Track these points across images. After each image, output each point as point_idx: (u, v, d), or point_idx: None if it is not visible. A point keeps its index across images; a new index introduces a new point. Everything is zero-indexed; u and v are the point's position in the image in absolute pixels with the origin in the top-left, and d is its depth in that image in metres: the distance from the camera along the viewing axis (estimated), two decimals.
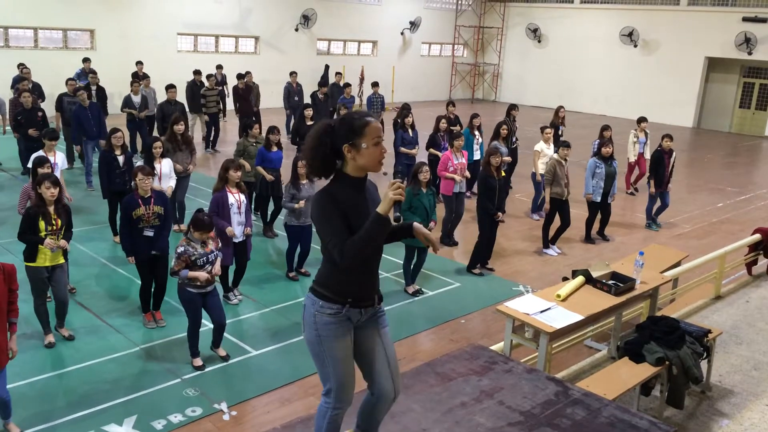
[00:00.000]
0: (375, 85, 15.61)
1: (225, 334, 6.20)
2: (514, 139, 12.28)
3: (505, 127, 11.18)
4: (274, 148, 9.24)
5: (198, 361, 5.94)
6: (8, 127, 11.89)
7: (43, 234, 5.90)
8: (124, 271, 7.94)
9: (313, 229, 7.94)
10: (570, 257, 9.51)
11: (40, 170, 6.79)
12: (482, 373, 4.55)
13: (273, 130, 9.33)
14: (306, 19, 23.01)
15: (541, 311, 5.33)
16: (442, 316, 7.37)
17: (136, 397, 5.44)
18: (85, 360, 5.99)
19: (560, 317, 5.27)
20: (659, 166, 10.75)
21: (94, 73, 14.38)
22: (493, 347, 5.27)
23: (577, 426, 3.98)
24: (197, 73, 15.22)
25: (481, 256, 8.73)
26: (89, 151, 11.41)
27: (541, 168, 10.54)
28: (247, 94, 15.59)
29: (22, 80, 12.66)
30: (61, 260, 6.16)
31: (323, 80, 21.27)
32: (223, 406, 5.39)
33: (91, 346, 6.24)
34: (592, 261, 8.48)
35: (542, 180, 10.08)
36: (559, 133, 12.63)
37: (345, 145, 3.02)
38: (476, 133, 11.62)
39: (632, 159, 13.09)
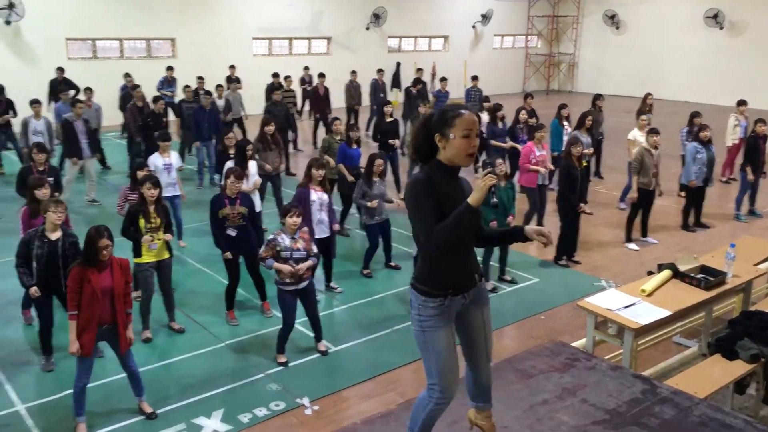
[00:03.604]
0: (474, 78, 16.08)
1: (305, 330, 6.36)
2: (600, 130, 12.04)
3: (590, 117, 10.95)
4: (354, 146, 9.40)
5: (282, 358, 6.10)
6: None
7: (143, 231, 6.27)
8: (209, 271, 8.21)
9: (393, 228, 8.10)
10: (655, 250, 9.17)
11: (140, 173, 7.23)
12: (564, 370, 4.45)
13: (352, 127, 9.56)
14: (377, 18, 23.15)
15: (626, 307, 5.17)
16: (522, 312, 7.27)
17: (223, 392, 5.63)
18: (174, 355, 6.26)
19: (646, 313, 5.11)
20: (755, 152, 10.26)
21: (201, 79, 15.01)
22: (574, 344, 5.16)
23: (666, 425, 3.83)
24: (275, 75, 15.67)
25: (566, 247, 8.57)
26: (202, 151, 12.01)
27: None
28: (325, 94, 15.87)
29: (135, 88, 13.34)
30: (166, 255, 6.51)
31: (395, 78, 21.44)
32: (305, 401, 5.50)
33: (180, 342, 6.51)
34: (679, 254, 8.16)
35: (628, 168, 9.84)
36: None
37: (437, 135, 3.11)
38: (565, 123, 11.42)
39: (730, 143, 12.54)
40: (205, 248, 8.95)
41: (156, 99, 12.21)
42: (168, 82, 16.15)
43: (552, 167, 9.81)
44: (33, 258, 5.66)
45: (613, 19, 26.98)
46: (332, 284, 7.71)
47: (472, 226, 3.11)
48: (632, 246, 9.30)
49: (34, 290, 5.68)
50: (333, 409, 5.45)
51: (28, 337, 6.52)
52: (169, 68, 16.52)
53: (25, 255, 5.67)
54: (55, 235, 5.71)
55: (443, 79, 16.26)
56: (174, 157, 8.74)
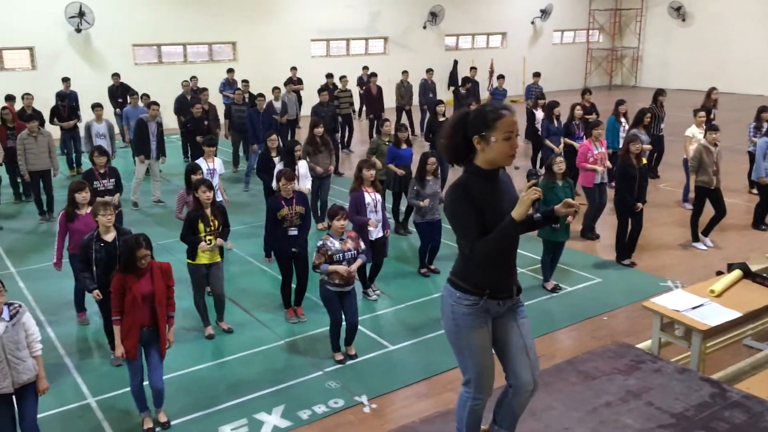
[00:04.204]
0: (536, 75, 16.12)
1: (363, 329, 6.38)
2: (661, 127, 11.68)
3: (649, 114, 10.61)
4: (404, 146, 9.36)
5: (339, 356, 6.14)
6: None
7: (202, 234, 6.39)
8: (268, 269, 8.35)
9: (444, 225, 8.04)
10: (724, 250, 8.81)
11: (194, 177, 7.33)
12: (628, 373, 4.33)
13: (401, 128, 9.52)
14: (434, 16, 23.08)
15: (693, 308, 5.00)
16: (583, 312, 7.11)
17: (283, 388, 5.71)
18: (236, 352, 6.38)
19: (715, 314, 4.92)
20: None
21: (246, 82, 15.29)
22: (639, 345, 5.01)
23: (737, 430, 3.68)
24: (329, 76, 15.79)
25: (625, 247, 8.34)
26: (255, 153, 12.28)
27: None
28: (378, 94, 15.90)
29: (202, 91, 13.70)
30: (218, 259, 6.63)
31: (452, 76, 21.30)
32: (364, 399, 5.53)
33: (241, 339, 6.64)
34: (749, 254, 7.84)
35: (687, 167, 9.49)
36: (711, 116, 11.79)
37: (475, 137, 3.03)
38: (622, 119, 11.12)
39: None
40: (261, 248, 9.14)
41: (193, 103, 12.34)
42: (229, 84, 16.53)
43: (610, 165, 9.56)
44: (93, 262, 5.77)
45: (678, 11, 26.09)
46: (374, 285, 7.61)
47: (516, 238, 3.08)
48: (700, 246, 8.97)
49: (96, 293, 5.82)
50: (391, 408, 5.46)
51: (95, 332, 6.76)
52: (230, 71, 16.92)
53: (85, 259, 5.79)
54: (110, 236, 5.80)
55: (500, 77, 16.15)
56: (218, 163, 8.83)
